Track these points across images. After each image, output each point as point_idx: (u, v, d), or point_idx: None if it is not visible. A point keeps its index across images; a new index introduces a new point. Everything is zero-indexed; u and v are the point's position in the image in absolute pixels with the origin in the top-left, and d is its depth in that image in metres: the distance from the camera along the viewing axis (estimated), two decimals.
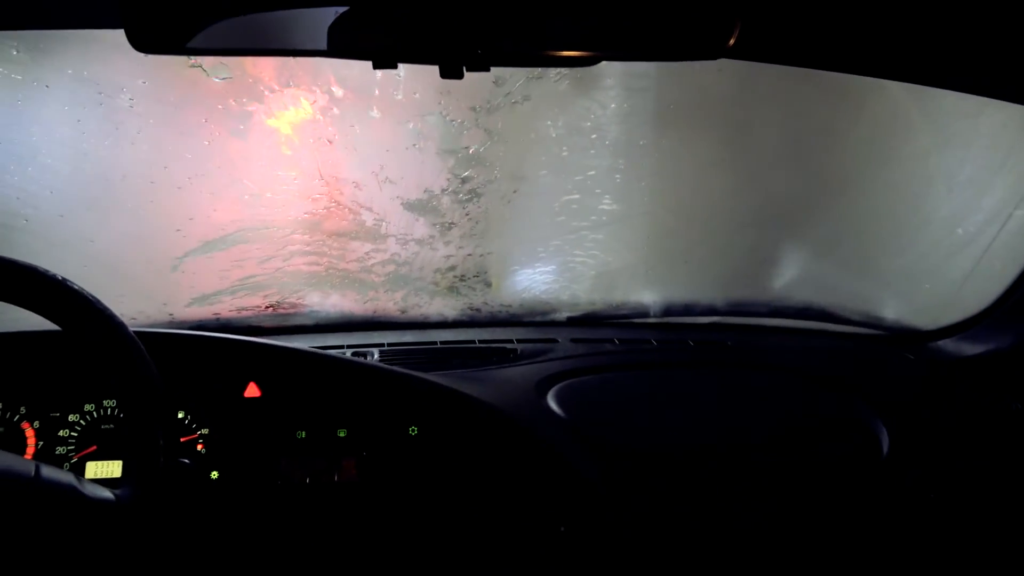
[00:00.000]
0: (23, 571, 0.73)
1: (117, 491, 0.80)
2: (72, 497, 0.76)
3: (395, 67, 0.80)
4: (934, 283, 1.57)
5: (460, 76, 0.80)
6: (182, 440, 1.11)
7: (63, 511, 0.75)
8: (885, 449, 1.28)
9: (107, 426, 1.14)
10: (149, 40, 0.80)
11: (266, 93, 1.27)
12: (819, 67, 0.99)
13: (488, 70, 0.78)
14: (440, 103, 1.32)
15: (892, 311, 1.57)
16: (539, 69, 1.20)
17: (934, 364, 1.48)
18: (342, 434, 1.13)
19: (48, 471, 0.76)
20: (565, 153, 1.40)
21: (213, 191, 1.33)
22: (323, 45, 0.78)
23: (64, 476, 0.77)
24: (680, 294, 1.58)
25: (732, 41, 0.71)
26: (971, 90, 1.09)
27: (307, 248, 1.47)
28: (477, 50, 0.74)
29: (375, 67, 0.80)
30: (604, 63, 0.79)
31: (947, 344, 1.52)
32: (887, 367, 1.46)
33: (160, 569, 1.02)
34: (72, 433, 1.13)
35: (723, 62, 0.82)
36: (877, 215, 1.52)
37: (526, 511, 1.12)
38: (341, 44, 0.78)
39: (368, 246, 1.48)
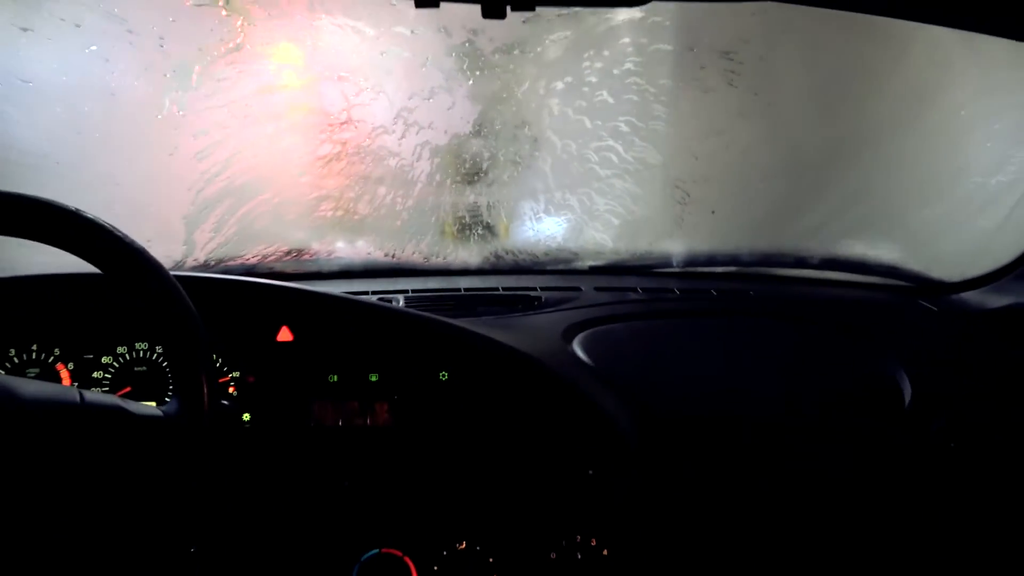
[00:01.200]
0: (81, 492, 0.75)
1: (163, 408, 0.82)
2: (120, 415, 0.78)
3: (437, 5, 0.78)
4: (961, 235, 1.56)
5: (503, 15, 0.79)
6: (217, 382, 1.13)
7: (113, 429, 0.77)
8: (908, 399, 1.29)
9: (140, 368, 1.15)
10: None
11: (292, 31, 1.24)
12: (855, 9, 0.96)
13: (533, 9, 0.76)
14: (468, 44, 1.30)
15: (917, 262, 1.56)
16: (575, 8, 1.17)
17: (958, 316, 1.48)
18: (373, 378, 1.14)
19: (92, 396, 0.77)
20: (595, 99, 1.38)
21: (237, 136, 1.32)
22: None
23: (108, 399, 0.79)
24: (703, 244, 1.58)
25: None
26: (1007, 34, 1.06)
27: (330, 193, 1.46)
28: None
29: (417, 6, 0.79)
30: (650, 4, 0.77)
31: (972, 296, 1.51)
32: (911, 318, 1.46)
33: (201, 500, 1.05)
34: (106, 375, 1.14)
35: (758, 6, 0.80)
36: (906, 165, 1.50)
37: (555, 454, 1.13)
38: None
39: (392, 192, 1.47)
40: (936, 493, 1.27)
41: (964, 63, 1.33)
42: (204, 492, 1.07)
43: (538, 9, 0.76)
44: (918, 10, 1.01)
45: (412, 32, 1.27)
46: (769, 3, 1.03)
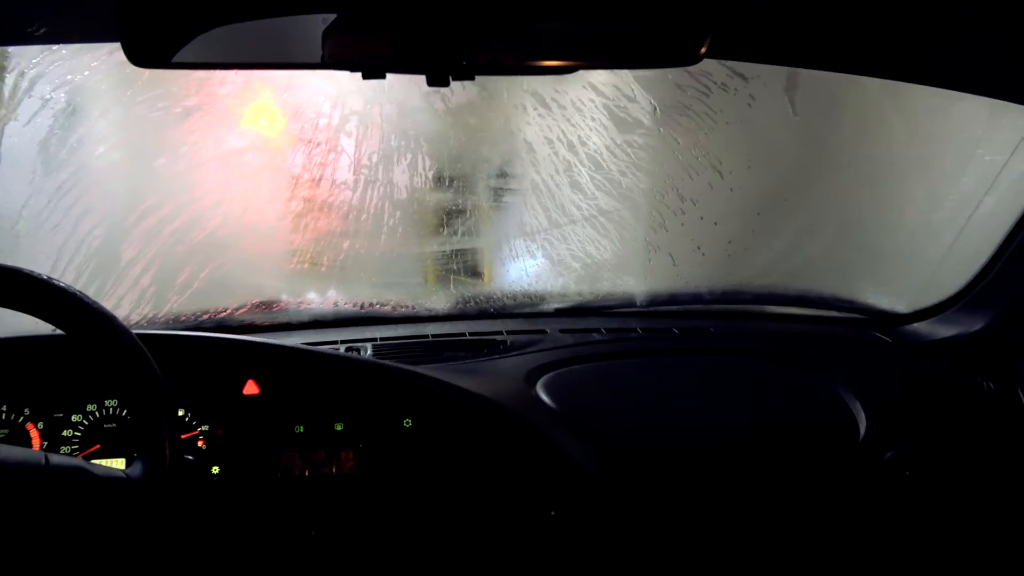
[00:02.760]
0: (45, 555, 0.77)
1: (127, 470, 0.84)
2: (84, 478, 0.80)
3: (383, 77, 0.83)
4: (910, 268, 1.62)
5: (447, 84, 0.84)
6: (183, 437, 1.15)
7: (77, 492, 0.79)
8: (862, 430, 1.33)
9: (109, 425, 1.17)
10: (145, 55, 0.83)
11: (255, 94, 1.29)
12: (793, 65, 1.03)
13: (473, 78, 0.82)
14: (427, 100, 1.35)
15: (870, 295, 1.62)
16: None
17: (910, 346, 1.53)
18: (339, 427, 1.16)
19: (57, 458, 0.80)
20: (551, 149, 1.44)
21: (203, 191, 1.36)
22: (312, 57, 0.81)
23: (73, 461, 0.81)
24: (666, 284, 1.63)
25: (704, 50, 0.75)
26: (941, 84, 1.13)
27: (299, 247, 1.50)
28: (462, 61, 0.77)
29: (364, 77, 0.83)
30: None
31: (922, 327, 1.57)
32: (865, 350, 1.51)
33: (169, 557, 1.06)
34: (76, 433, 1.16)
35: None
36: (854, 204, 1.56)
37: (518, 497, 1.16)
38: (330, 56, 0.81)
39: (359, 244, 1.51)
40: (892, 521, 1.30)
41: (899, 109, 1.41)
42: (173, 548, 1.08)
43: (477, 78, 0.81)
44: (851, 64, 1.08)
45: (372, 91, 1.33)
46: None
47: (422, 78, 0.84)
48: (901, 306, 1.61)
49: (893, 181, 1.53)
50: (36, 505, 0.77)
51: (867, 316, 1.63)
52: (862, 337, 1.56)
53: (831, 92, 1.41)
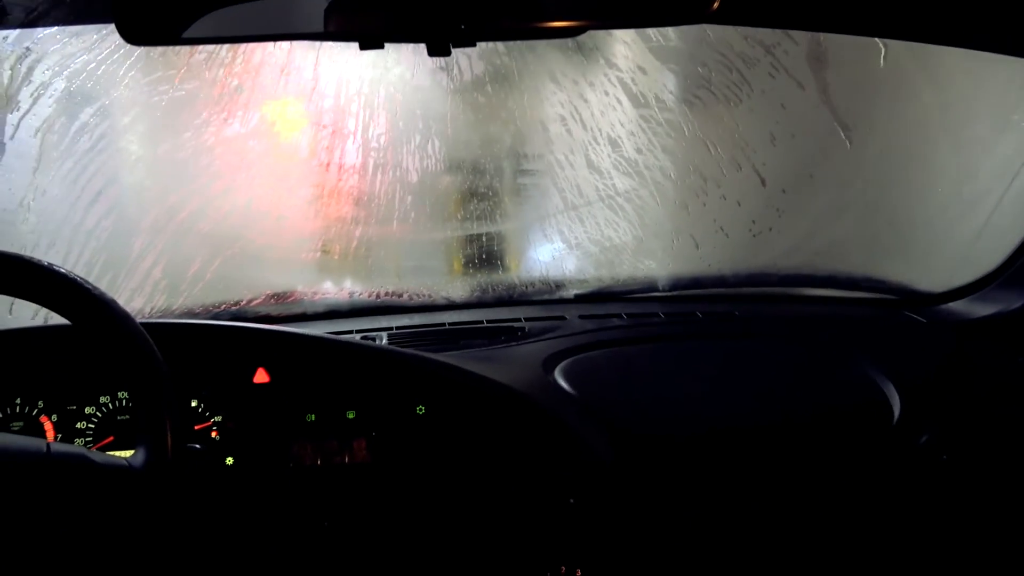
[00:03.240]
0: (46, 544, 0.76)
1: (128, 458, 0.83)
2: (84, 466, 0.78)
3: (381, 47, 0.81)
4: (943, 244, 1.55)
5: (447, 53, 0.81)
6: (196, 428, 1.14)
7: (77, 480, 0.77)
8: (897, 413, 1.27)
9: (123, 417, 1.16)
10: (139, 32, 0.81)
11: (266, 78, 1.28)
12: (806, 28, 0.98)
13: (474, 45, 0.78)
14: (437, 82, 1.33)
15: (901, 275, 1.56)
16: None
17: (946, 326, 1.47)
18: (351, 416, 1.14)
19: (58, 446, 0.78)
20: (565, 128, 1.40)
21: (217, 181, 1.35)
22: (308, 28, 0.79)
23: (74, 449, 0.80)
24: (688, 268, 1.58)
25: (716, 4, 0.71)
26: (969, 45, 1.08)
27: (313, 236, 1.49)
28: (461, 26, 0.74)
29: (361, 48, 0.81)
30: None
31: (957, 306, 1.51)
32: (897, 331, 1.45)
33: (182, 548, 1.05)
34: (89, 425, 1.15)
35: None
36: (883, 178, 1.50)
37: (536, 485, 1.13)
38: (327, 27, 0.78)
39: (374, 232, 1.49)
40: (930, 507, 1.25)
41: (930, 76, 1.35)
42: (187, 534, 1.07)
43: (487, 56, 0.78)
44: (867, 26, 1.03)
45: (387, 70, 1.30)
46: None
47: (425, 53, 0.81)
48: (934, 285, 1.55)
49: (924, 153, 1.46)
50: (37, 493, 0.76)
51: (899, 296, 1.58)
52: (894, 318, 1.50)
53: (856, 61, 1.36)
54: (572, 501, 1.12)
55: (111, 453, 1.12)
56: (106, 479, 0.79)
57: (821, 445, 1.25)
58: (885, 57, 1.34)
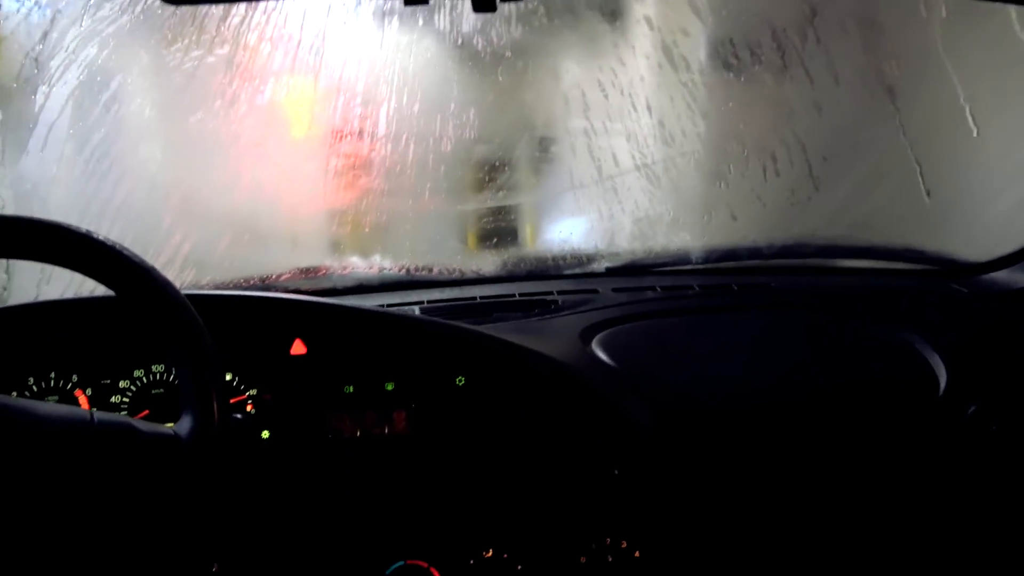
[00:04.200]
0: (91, 513, 0.75)
1: (174, 427, 0.81)
2: (130, 434, 0.77)
3: (426, 2, 0.78)
4: (985, 214, 1.52)
5: (493, 8, 0.78)
6: (232, 401, 1.12)
7: (124, 449, 0.76)
8: (943, 385, 1.25)
9: (157, 391, 1.15)
10: None
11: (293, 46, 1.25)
12: None
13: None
14: (473, 46, 1.30)
15: (943, 245, 1.53)
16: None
17: (989, 296, 1.44)
18: (390, 387, 1.12)
19: (103, 415, 0.77)
20: (607, 95, 1.37)
21: (246, 154, 1.33)
22: None
23: (119, 418, 0.79)
24: (723, 239, 1.55)
25: None
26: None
27: (341, 209, 1.47)
28: None
29: (406, 4, 0.78)
30: None
31: (1001, 275, 1.47)
32: (940, 301, 1.42)
33: (218, 521, 1.04)
34: (124, 399, 1.14)
35: None
36: (925, 143, 1.46)
37: (578, 456, 1.11)
38: None
39: (403, 204, 1.47)
40: (980, 478, 1.22)
41: (976, 36, 1.30)
42: (224, 508, 1.06)
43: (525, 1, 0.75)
44: None
45: (415, 38, 1.28)
46: None
47: (459, 17, 0.78)
48: (977, 255, 1.51)
49: (968, 119, 1.42)
50: (83, 462, 0.75)
51: (940, 267, 1.54)
52: (937, 288, 1.47)
53: (902, 24, 1.32)
54: (617, 473, 1.10)
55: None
56: (152, 448, 0.78)
57: (865, 418, 1.22)
58: (931, 19, 1.30)
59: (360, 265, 1.51)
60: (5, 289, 1.23)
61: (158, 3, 0.76)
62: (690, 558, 1.13)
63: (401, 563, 1.06)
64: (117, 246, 0.83)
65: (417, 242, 1.52)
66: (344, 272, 1.51)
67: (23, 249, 0.81)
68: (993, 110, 1.42)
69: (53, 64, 1.15)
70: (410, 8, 0.78)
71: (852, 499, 1.20)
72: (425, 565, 1.06)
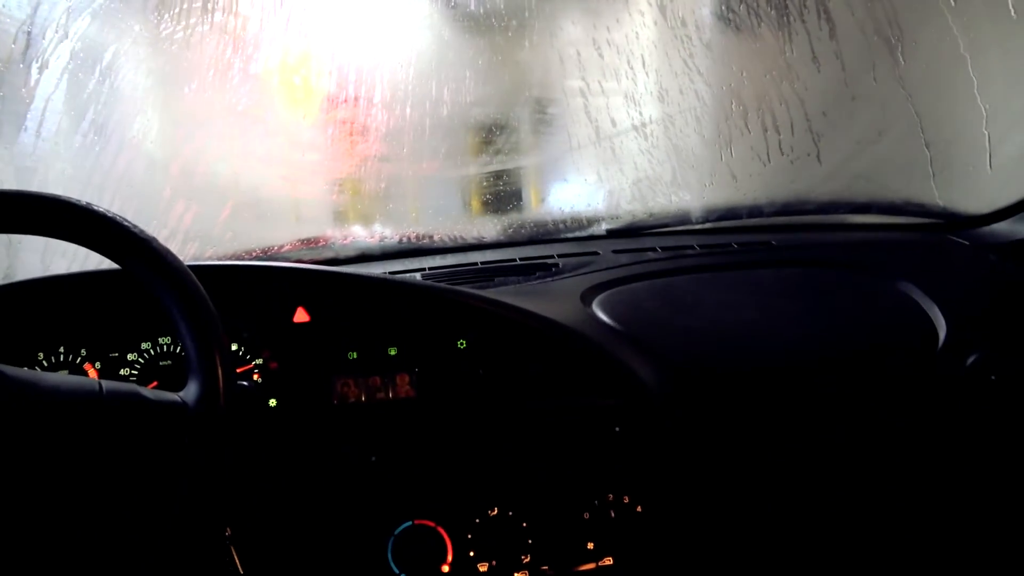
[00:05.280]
0: (102, 481, 0.76)
1: (180, 394, 0.83)
2: (138, 402, 0.79)
3: None
4: (985, 165, 1.50)
5: None
6: (239, 371, 1.14)
7: (132, 416, 0.78)
8: (943, 337, 1.25)
9: (164, 363, 1.16)
10: None
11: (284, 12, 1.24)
12: None
13: None
14: (464, 11, 1.29)
15: (943, 198, 1.51)
16: None
17: (989, 248, 1.43)
18: (392, 352, 1.14)
19: (111, 384, 0.79)
20: (602, 53, 1.36)
21: (243, 123, 1.32)
22: None
23: (127, 387, 0.80)
24: (723, 198, 1.55)
25: None
26: None
27: (340, 178, 1.47)
28: None
29: None
30: None
31: (1002, 227, 1.46)
32: (941, 253, 1.42)
33: (227, 490, 1.06)
34: (132, 371, 1.16)
35: None
36: (923, 92, 1.45)
37: (580, 414, 1.12)
38: None
39: (401, 171, 1.47)
40: (982, 428, 1.23)
41: None
42: (233, 475, 1.08)
43: None
44: None
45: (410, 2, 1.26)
46: None
47: None
48: (978, 207, 1.50)
49: (966, 63, 1.40)
50: (92, 431, 0.76)
51: (941, 220, 1.54)
52: (937, 241, 1.47)
53: None
54: (618, 430, 1.12)
55: None
56: (160, 415, 0.79)
57: (866, 371, 1.23)
58: None
59: (361, 234, 1.52)
60: (10, 266, 1.24)
61: None
62: (691, 512, 1.15)
63: (409, 523, 1.09)
64: (117, 217, 0.84)
65: (418, 209, 1.52)
66: (345, 242, 1.51)
67: (25, 224, 0.82)
68: (993, 61, 1.40)
69: (46, 38, 1.14)
70: None
71: (855, 453, 1.21)
72: (432, 525, 1.09)
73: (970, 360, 1.23)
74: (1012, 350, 1.25)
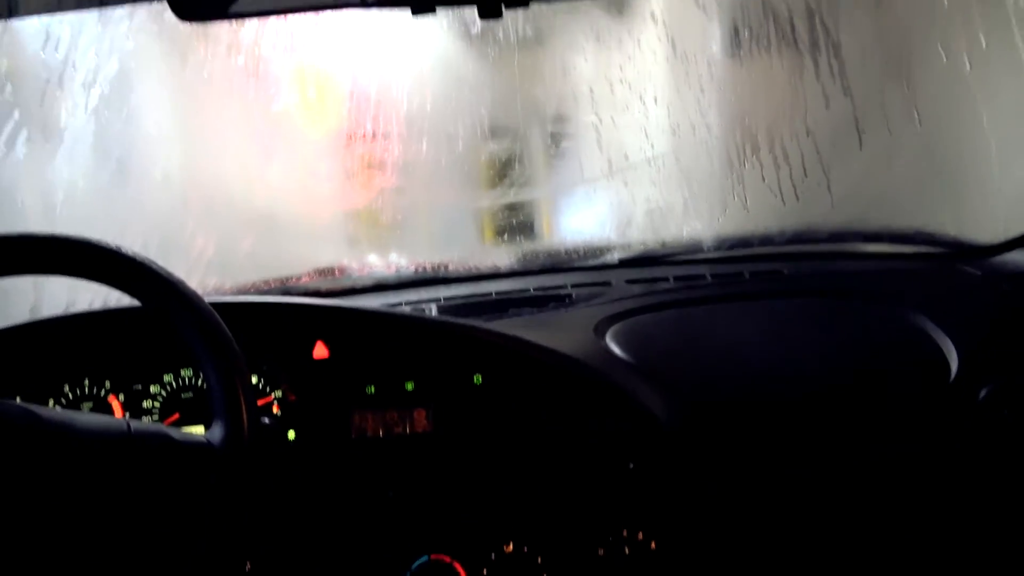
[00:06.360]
0: (131, 520, 0.78)
1: (206, 434, 0.85)
2: (166, 443, 0.81)
3: (433, 11, 0.80)
4: (996, 195, 1.51)
5: (499, 15, 0.80)
6: (259, 403, 1.16)
7: (160, 457, 0.80)
8: (954, 368, 1.26)
9: (187, 395, 1.19)
10: (190, 7, 0.81)
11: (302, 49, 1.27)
12: None
13: (527, 6, 0.77)
14: (481, 42, 1.32)
15: (954, 227, 1.52)
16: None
17: (1001, 278, 1.43)
18: (410, 387, 1.15)
19: (139, 425, 0.81)
20: (608, 87, 1.38)
21: (264, 157, 1.35)
22: None
23: (155, 427, 0.83)
24: (734, 227, 1.56)
25: None
26: None
27: (356, 209, 1.50)
28: None
29: (413, 14, 0.80)
30: None
31: (1014, 257, 1.47)
32: (952, 284, 1.42)
33: (251, 523, 1.08)
34: (155, 404, 1.18)
35: None
36: (933, 122, 1.46)
37: (595, 449, 1.14)
38: None
39: (417, 202, 1.50)
40: (994, 462, 1.23)
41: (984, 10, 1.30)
42: (255, 508, 1.09)
43: (532, 6, 0.77)
44: None
45: (423, 35, 1.29)
46: None
47: (464, 17, 0.80)
48: (988, 236, 1.51)
49: (976, 98, 1.42)
50: (121, 471, 0.78)
51: (952, 249, 1.54)
52: (948, 271, 1.47)
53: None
54: (632, 466, 1.13)
55: (184, 429, 1.16)
56: (187, 456, 0.82)
57: (879, 404, 1.23)
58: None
59: (377, 264, 1.54)
60: (36, 299, 1.28)
61: (173, 18, 0.78)
62: (706, 549, 1.15)
63: (425, 558, 1.10)
64: (147, 261, 0.87)
65: (432, 239, 1.54)
66: (362, 271, 1.54)
67: (57, 266, 0.85)
68: (1002, 91, 1.41)
69: (76, 79, 1.18)
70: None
71: (868, 486, 1.21)
72: (449, 560, 1.10)
73: (983, 393, 1.23)
74: None
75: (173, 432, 0.83)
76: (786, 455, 1.19)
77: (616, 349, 1.22)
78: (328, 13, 1.14)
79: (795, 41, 1.40)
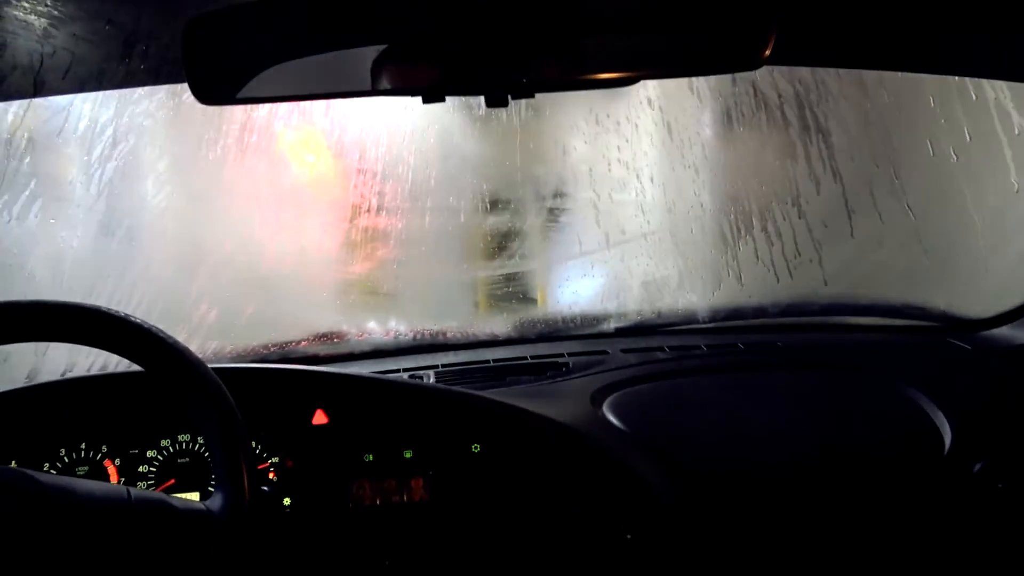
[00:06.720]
0: None
1: (206, 503, 0.85)
2: (165, 511, 0.81)
3: (443, 100, 0.84)
4: (986, 271, 1.55)
5: (505, 104, 0.84)
6: (257, 468, 1.16)
7: (159, 525, 0.80)
8: (948, 442, 1.26)
9: (183, 460, 1.18)
10: (211, 93, 0.85)
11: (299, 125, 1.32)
12: (857, 66, 1.00)
13: (532, 96, 0.81)
14: (483, 120, 1.37)
15: (945, 302, 1.56)
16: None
17: (992, 352, 1.46)
18: (408, 455, 1.16)
19: (139, 493, 0.81)
20: (606, 166, 1.43)
21: (260, 227, 1.39)
22: (373, 85, 0.82)
23: (154, 495, 0.82)
24: (729, 299, 1.59)
25: (767, 52, 0.73)
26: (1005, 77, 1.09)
27: (357, 278, 1.52)
28: (521, 79, 0.77)
29: (424, 102, 0.84)
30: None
31: (1004, 331, 1.49)
32: (944, 357, 1.45)
33: None
34: (151, 468, 1.18)
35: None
36: (922, 204, 1.51)
37: (592, 521, 1.13)
38: (391, 82, 0.82)
39: (416, 271, 1.52)
40: (988, 536, 1.23)
41: (966, 104, 1.36)
42: (251, 573, 1.08)
43: (537, 95, 0.81)
44: (910, 63, 1.05)
45: (420, 117, 1.34)
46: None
47: (480, 100, 0.84)
48: (979, 311, 1.54)
49: (962, 178, 1.47)
50: (122, 539, 0.78)
51: (943, 323, 1.57)
52: (939, 345, 1.49)
53: (894, 91, 1.37)
54: (629, 537, 1.12)
55: (180, 496, 1.15)
56: (187, 524, 0.82)
57: (874, 478, 1.24)
58: (922, 89, 1.36)
59: (376, 330, 1.56)
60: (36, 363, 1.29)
61: (187, 97, 0.82)
62: None
63: None
64: (154, 329, 0.88)
65: (431, 307, 1.57)
66: (361, 337, 1.55)
67: (67, 334, 0.86)
68: (992, 170, 1.46)
69: (94, 154, 1.22)
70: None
71: (863, 559, 1.21)
72: None
73: (977, 467, 1.24)
74: (1018, 457, 1.26)
75: (173, 500, 0.83)
76: (781, 527, 1.19)
77: (613, 419, 1.23)
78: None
79: (786, 127, 1.45)
